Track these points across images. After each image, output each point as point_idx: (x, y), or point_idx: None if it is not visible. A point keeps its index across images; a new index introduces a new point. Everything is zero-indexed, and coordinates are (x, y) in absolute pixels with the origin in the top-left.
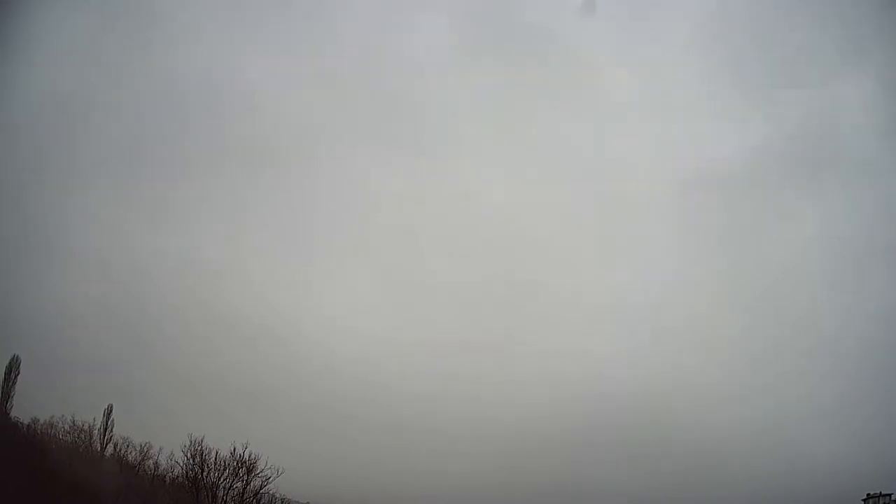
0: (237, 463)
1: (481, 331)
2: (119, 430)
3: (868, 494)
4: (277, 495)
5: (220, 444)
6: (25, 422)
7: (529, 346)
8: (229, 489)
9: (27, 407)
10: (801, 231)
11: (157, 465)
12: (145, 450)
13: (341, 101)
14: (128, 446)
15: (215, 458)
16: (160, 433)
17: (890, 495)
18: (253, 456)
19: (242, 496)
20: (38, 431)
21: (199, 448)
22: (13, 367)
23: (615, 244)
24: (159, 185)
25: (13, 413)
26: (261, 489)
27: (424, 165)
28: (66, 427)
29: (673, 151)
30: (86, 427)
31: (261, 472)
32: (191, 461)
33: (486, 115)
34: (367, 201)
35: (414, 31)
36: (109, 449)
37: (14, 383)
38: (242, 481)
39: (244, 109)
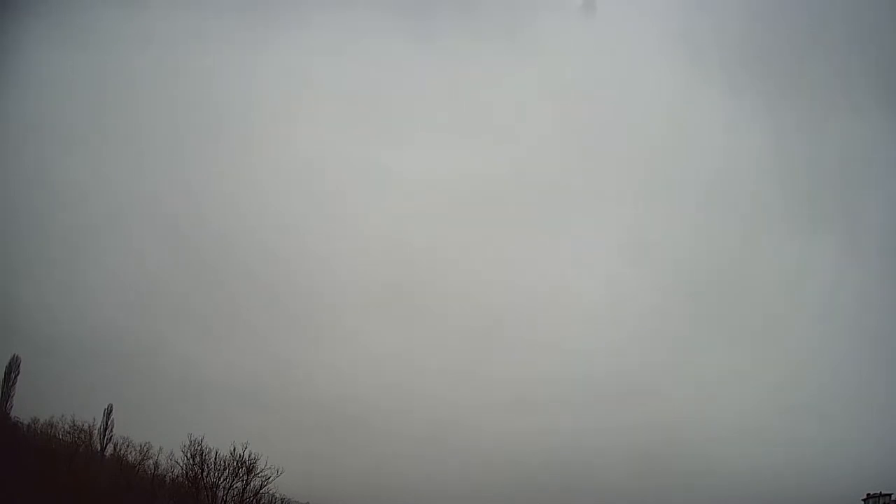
0: (237, 463)
1: (479, 333)
2: (119, 430)
3: (868, 494)
4: (277, 495)
5: (220, 444)
6: (25, 422)
7: (528, 347)
8: (229, 489)
9: (27, 407)
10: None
11: (157, 465)
12: (145, 450)
13: None
14: (128, 446)
15: (215, 458)
16: (160, 433)
17: (890, 495)
18: (253, 456)
19: (242, 496)
20: (38, 431)
21: (199, 448)
22: (13, 367)
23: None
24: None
25: (13, 413)
26: (261, 489)
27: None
28: (66, 427)
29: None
30: (86, 427)
31: (261, 472)
32: (191, 461)
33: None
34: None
35: None
36: (109, 449)
37: (14, 383)
38: (242, 481)
39: None
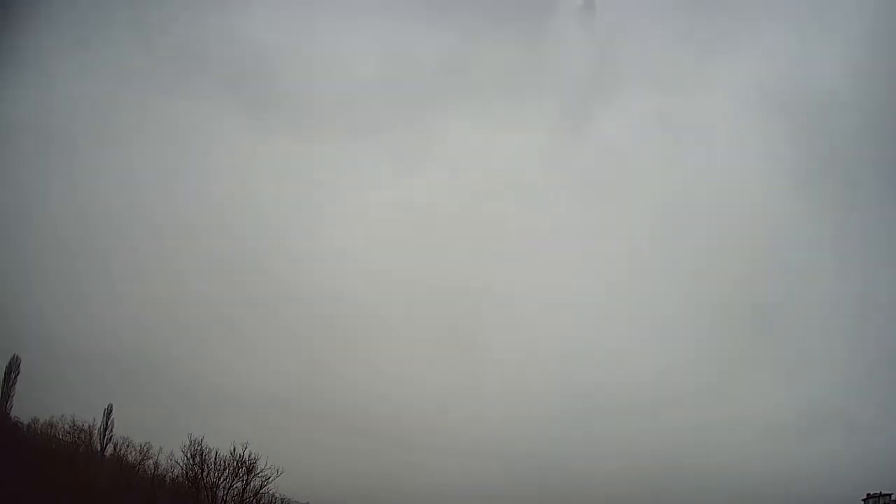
0: (237, 463)
1: (477, 334)
2: (119, 430)
3: (868, 494)
4: (277, 495)
5: (220, 444)
6: (25, 422)
7: (524, 348)
8: (229, 489)
9: (27, 407)
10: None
11: (157, 465)
12: (145, 450)
13: None
14: (128, 446)
15: (215, 458)
16: (160, 433)
17: (890, 495)
18: (253, 456)
19: (242, 496)
20: (38, 431)
21: (199, 448)
22: (13, 367)
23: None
24: None
25: (13, 413)
26: (261, 489)
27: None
28: (66, 427)
29: None
30: (86, 427)
31: (261, 472)
32: (191, 461)
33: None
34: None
35: None
36: (109, 449)
37: (14, 383)
38: (242, 481)
39: None
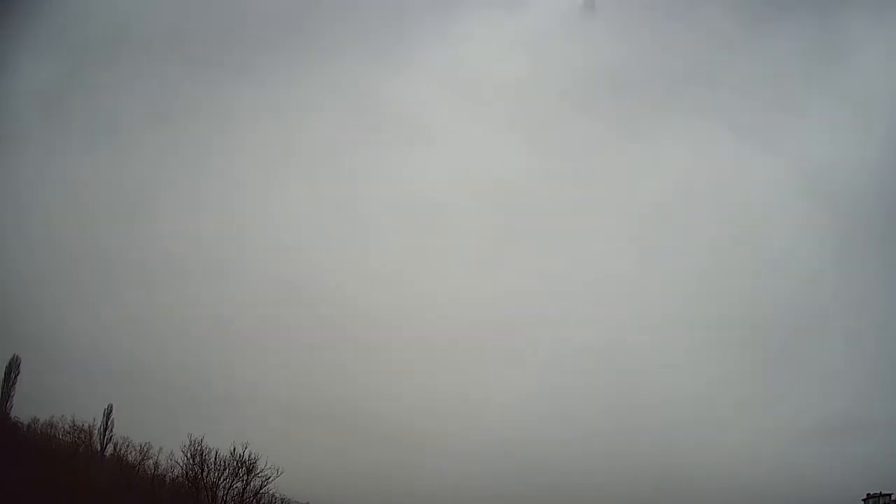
0: (237, 463)
1: (476, 333)
2: (119, 430)
3: (868, 494)
4: (277, 495)
5: (220, 444)
6: (25, 422)
7: (525, 351)
8: (229, 489)
9: (27, 407)
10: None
11: (157, 465)
12: (145, 450)
13: None
14: (128, 446)
15: (215, 458)
16: (160, 433)
17: (890, 495)
18: (253, 456)
19: (242, 496)
20: (38, 431)
21: (199, 448)
22: (13, 367)
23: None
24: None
25: (13, 413)
26: (261, 489)
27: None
28: (66, 427)
29: None
30: (86, 427)
31: (261, 472)
32: (191, 461)
33: None
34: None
35: None
36: (109, 449)
37: (14, 383)
38: (242, 481)
39: None
